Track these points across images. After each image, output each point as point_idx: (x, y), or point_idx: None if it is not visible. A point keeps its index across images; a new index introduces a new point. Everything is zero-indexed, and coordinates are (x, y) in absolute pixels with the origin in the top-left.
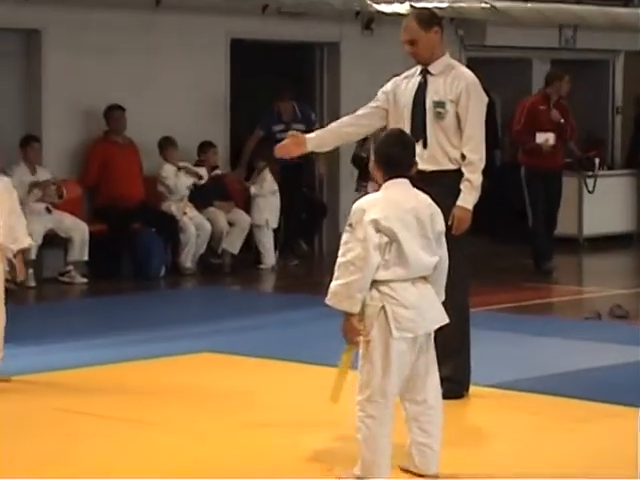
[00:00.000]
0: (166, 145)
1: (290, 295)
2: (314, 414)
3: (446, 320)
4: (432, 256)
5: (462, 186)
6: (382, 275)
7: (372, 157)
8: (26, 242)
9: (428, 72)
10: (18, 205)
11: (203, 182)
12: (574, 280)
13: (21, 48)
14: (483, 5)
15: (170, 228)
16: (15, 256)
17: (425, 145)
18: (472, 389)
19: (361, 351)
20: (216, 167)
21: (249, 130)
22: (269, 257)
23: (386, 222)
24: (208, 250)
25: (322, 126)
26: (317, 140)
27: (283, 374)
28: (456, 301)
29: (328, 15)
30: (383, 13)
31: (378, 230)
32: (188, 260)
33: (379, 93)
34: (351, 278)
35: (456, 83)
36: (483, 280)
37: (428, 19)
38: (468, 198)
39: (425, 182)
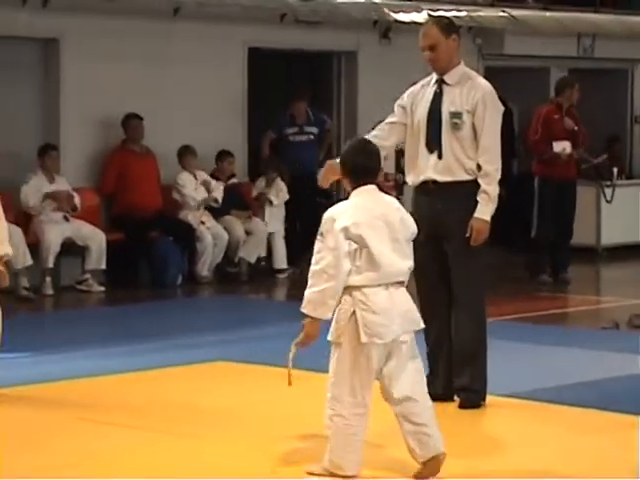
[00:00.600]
0: (185, 153)
1: None
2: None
3: (421, 326)
4: (405, 260)
5: (479, 198)
6: (355, 280)
7: (339, 166)
8: (8, 250)
9: (444, 82)
10: (2, 212)
11: (217, 205)
12: (592, 290)
13: (39, 57)
14: (501, 14)
15: (187, 237)
16: None
17: (440, 156)
18: (489, 399)
19: (332, 353)
20: (233, 176)
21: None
22: (282, 264)
23: (355, 229)
24: (225, 259)
25: (339, 134)
26: None
27: (299, 383)
28: (473, 311)
29: (346, 24)
30: (401, 22)
31: (348, 237)
32: (205, 269)
33: (396, 107)
34: (324, 286)
35: (472, 93)
36: (499, 290)
37: (448, 26)
38: (485, 209)
39: (440, 193)
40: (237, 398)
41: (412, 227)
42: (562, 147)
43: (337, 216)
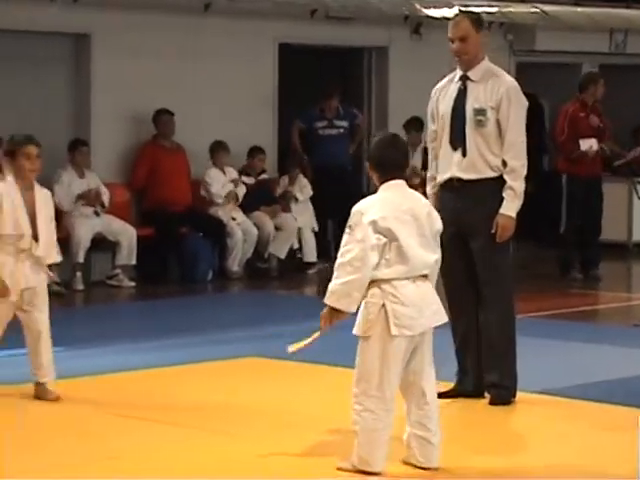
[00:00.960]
0: (217, 149)
1: None
2: None
3: (445, 319)
4: (432, 253)
5: (505, 194)
6: (384, 274)
7: (367, 161)
8: (58, 258)
9: (468, 78)
10: (53, 217)
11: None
12: (623, 286)
13: (70, 52)
14: (533, 10)
15: (217, 232)
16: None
17: (464, 153)
18: (519, 395)
19: (360, 346)
20: (263, 172)
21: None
22: (312, 257)
23: (383, 222)
24: (255, 254)
25: (369, 129)
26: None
27: (330, 379)
28: (502, 307)
29: (377, 19)
30: (432, 17)
31: (376, 231)
32: (235, 264)
33: (429, 114)
34: (349, 278)
35: (496, 89)
36: (529, 286)
37: (478, 21)
38: (511, 206)
39: (465, 191)
40: (268, 394)
41: (438, 223)
42: (589, 145)
43: (365, 210)
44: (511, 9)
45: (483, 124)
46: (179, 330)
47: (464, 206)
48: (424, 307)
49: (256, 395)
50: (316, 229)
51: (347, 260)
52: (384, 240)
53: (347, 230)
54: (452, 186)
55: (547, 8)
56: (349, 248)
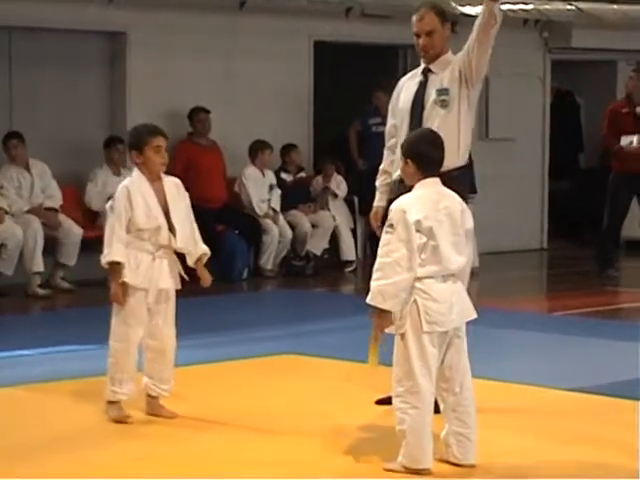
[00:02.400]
0: (260, 149)
1: None
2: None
3: (475, 315)
4: (460, 255)
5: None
6: (418, 272)
7: (402, 158)
8: (207, 249)
9: (430, 71)
10: (190, 209)
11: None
12: None
13: (106, 50)
14: (568, 7)
15: (253, 230)
16: (197, 262)
17: None
18: (553, 393)
19: (396, 344)
20: (302, 169)
21: (332, 132)
22: (350, 255)
23: (426, 222)
24: (291, 252)
25: None
26: (387, 196)
27: (366, 377)
28: None
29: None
30: (467, 15)
31: (418, 230)
32: (270, 262)
33: (390, 109)
34: (397, 278)
35: (451, 66)
36: (565, 284)
37: (444, 13)
38: None
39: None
40: (307, 392)
41: (470, 221)
42: (629, 141)
43: (407, 208)
44: (547, 6)
45: (447, 104)
46: (215, 328)
47: None
48: (454, 304)
49: (295, 392)
50: (352, 226)
51: (394, 260)
52: (424, 240)
53: (387, 229)
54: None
55: (583, 5)
56: (393, 248)
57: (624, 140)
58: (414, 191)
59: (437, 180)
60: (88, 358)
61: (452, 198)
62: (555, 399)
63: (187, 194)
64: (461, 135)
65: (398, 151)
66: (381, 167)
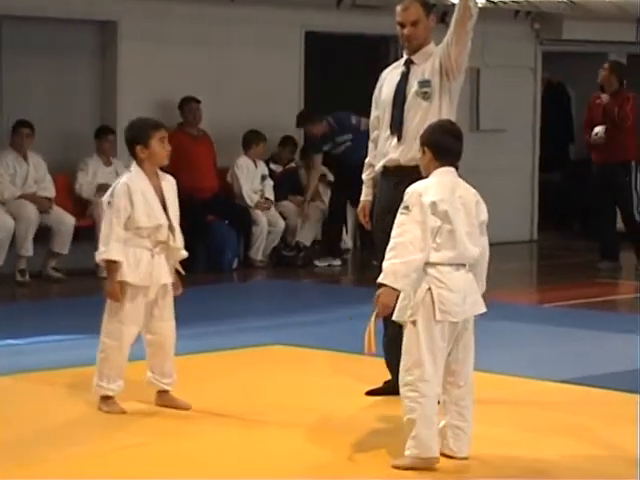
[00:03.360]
0: (253, 139)
1: (363, 288)
2: (387, 408)
3: (484, 309)
4: (474, 246)
5: None
6: (432, 257)
7: (421, 147)
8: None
9: (412, 62)
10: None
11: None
12: None
13: (97, 39)
14: None
15: (243, 220)
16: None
17: (400, 138)
18: (542, 384)
19: (407, 332)
20: (292, 160)
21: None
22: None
23: (442, 205)
24: (281, 242)
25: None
26: (372, 191)
27: (356, 368)
28: None
29: None
30: None
31: (434, 213)
32: (260, 253)
33: (373, 101)
34: (410, 257)
35: (432, 58)
36: (555, 276)
37: (428, 4)
38: None
39: (402, 176)
40: (296, 383)
41: (484, 213)
42: (595, 132)
43: (422, 190)
44: None
45: (428, 95)
46: (204, 318)
47: (402, 193)
48: (467, 295)
49: (281, 384)
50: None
51: (407, 240)
52: (439, 223)
53: (402, 210)
54: (390, 173)
55: None
56: (407, 228)
57: (594, 131)
58: (430, 177)
59: (453, 170)
60: (78, 348)
61: (467, 189)
62: (546, 391)
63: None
64: None
65: (380, 143)
66: (366, 160)
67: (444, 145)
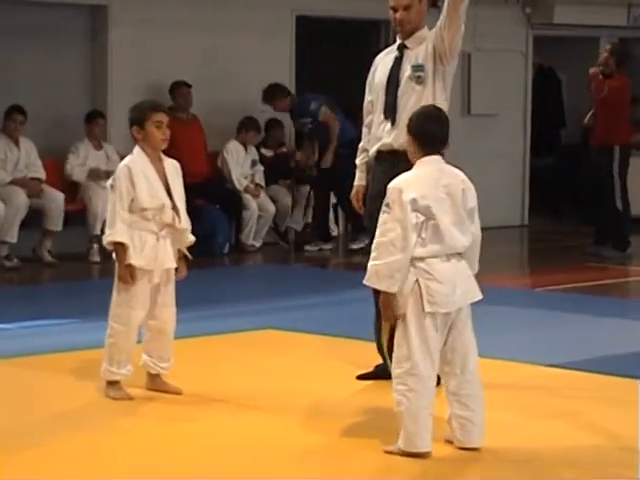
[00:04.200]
0: (248, 127)
1: (355, 273)
2: (377, 393)
3: (480, 296)
4: (464, 234)
5: None
6: (419, 252)
7: (407, 134)
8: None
9: (405, 47)
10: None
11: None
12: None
13: (87, 24)
14: None
15: (234, 205)
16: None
17: (394, 122)
18: (533, 368)
19: (398, 325)
20: (283, 144)
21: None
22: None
23: (423, 201)
24: (272, 227)
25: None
26: (366, 176)
27: (347, 352)
28: None
29: None
30: None
31: (415, 209)
32: (251, 237)
33: (367, 86)
34: (391, 258)
35: (426, 42)
36: (546, 260)
37: None
38: None
39: (395, 161)
40: (287, 367)
41: (473, 200)
42: (587, 117)
43: (404, 187)
44: None
45: (422, 80)
46: (195, 303)
47: (394, 177)
48: (457, 284)
49: (273, 368)
50: (334, 202)
51: (389, 239)
52: (422, 219)
53: (385, 208)
54: (383, 157)
55: None
56: (389, 227)
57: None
58: (413, 169)
59: (438, 158)
60: (68, 332)
61: (454, 176)
62: (537, 375)
63: (181, 174)
64: None
65: (374, 127)
66: (360, 145)
67: (427, 134)
